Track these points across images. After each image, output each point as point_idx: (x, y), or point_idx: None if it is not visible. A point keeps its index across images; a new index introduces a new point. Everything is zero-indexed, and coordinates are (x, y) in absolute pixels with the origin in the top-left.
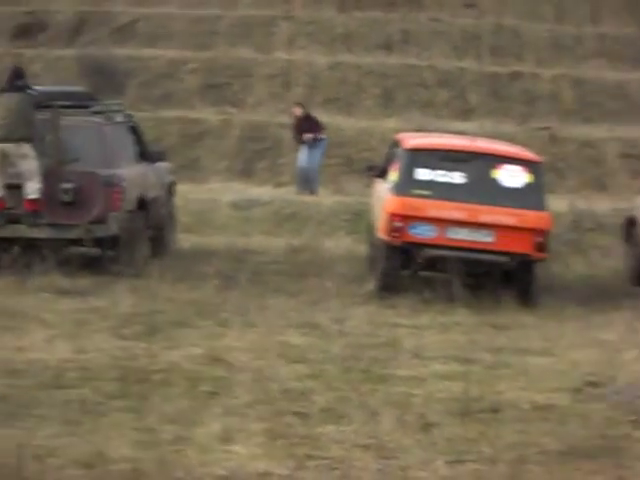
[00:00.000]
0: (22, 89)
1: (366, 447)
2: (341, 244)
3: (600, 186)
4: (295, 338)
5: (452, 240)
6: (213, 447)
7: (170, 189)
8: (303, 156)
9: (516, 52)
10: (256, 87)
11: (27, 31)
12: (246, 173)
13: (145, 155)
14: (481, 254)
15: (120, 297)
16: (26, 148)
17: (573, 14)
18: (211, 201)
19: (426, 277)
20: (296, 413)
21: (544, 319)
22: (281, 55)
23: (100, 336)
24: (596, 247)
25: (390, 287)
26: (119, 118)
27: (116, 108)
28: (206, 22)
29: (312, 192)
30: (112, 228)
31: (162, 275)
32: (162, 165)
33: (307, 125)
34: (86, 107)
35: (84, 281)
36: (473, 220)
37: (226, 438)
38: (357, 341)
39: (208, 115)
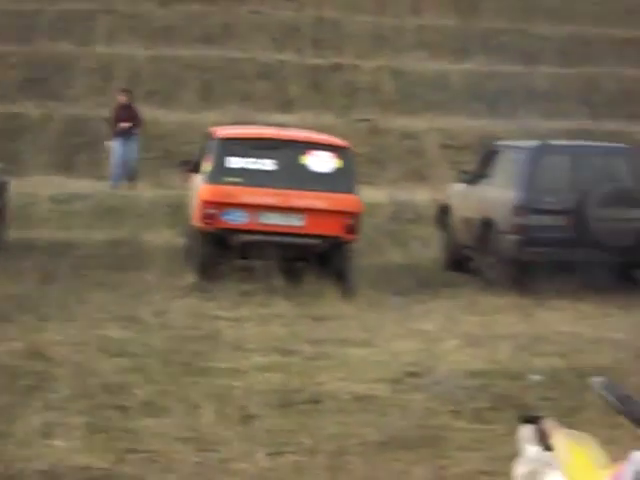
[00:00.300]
0: None
1: (186, 440)
2: (161, 237)
3: (420, 177)
4: (116, 331)
5: (264, 225)
6: (33, 442)
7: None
8: (119, 148)
9: (336, 44)
10: (76, 81)
11: None
12: (66, 167)
13: None
14: (293, 238)
15: None
16: None
17: (393, 6)
18: (31, 195)
19: (246, 269)
20: (116, 407)
21: (364, 310)
22: (101, 49)
23: None
24: (416, 238)
25: (209, 275)
26: None
27: None
28: (26, 16)
29: (131, 183)
30: None
31: None
32: None
33: (125, 114)
34: None
35: None
36: (284, 205)
37: (46, 432)
38: (178, 334)
39: (28, 109)
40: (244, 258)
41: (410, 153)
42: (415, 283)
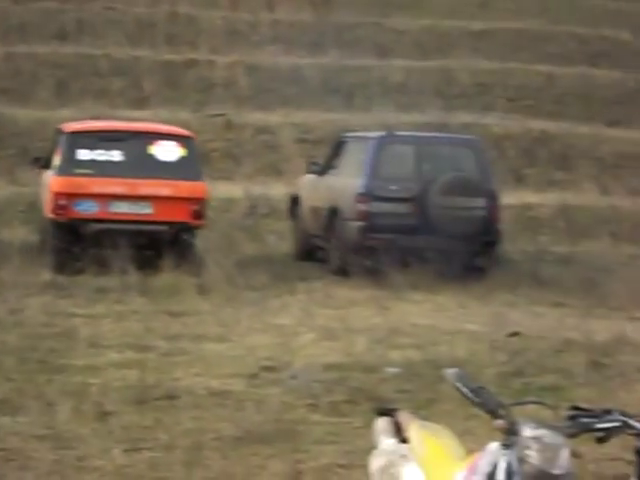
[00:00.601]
0: None
1: (42, 438)
2: (16, 234)
3: (276, 171)
4: None
5: (114, 214)
6: None
7: None
8: None
9: (191, 40)
10: None
11: None
12: None
13: None
14: (142, 225)
15: None
16: None
17: (248, 1)
18: None
19: (102, 265)
20: None
21: (220, 305)
22: None
23: None
24: (271, 232)
25: (63, 266)
26: None
27: None
28: None
29: None
30: None
31: None
32: None
33: None
34: None
35: None
36: (132, 193)
37: None
38: (33, 331)
39: None
40: (96, 247)
41: (266, 148)
42: (270, 277)
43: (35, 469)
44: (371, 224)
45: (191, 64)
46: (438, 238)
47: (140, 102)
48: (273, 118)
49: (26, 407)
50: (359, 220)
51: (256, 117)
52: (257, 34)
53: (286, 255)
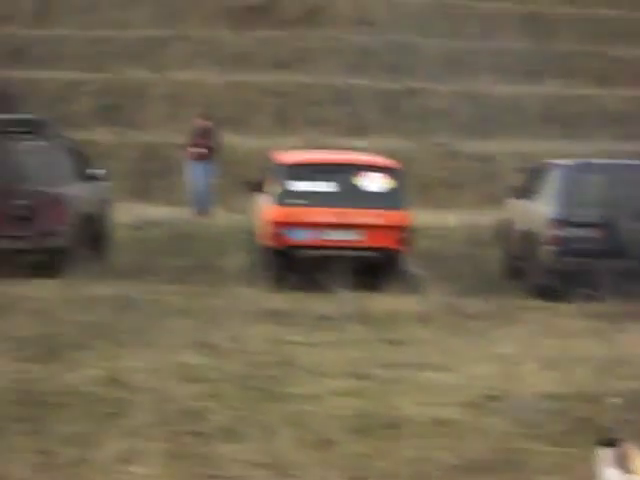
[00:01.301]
0: None
1: (264, 465)
2: (235, 262)
3: (495, 200)
4: (192, 357)
5: (326, 241)
6: (112, 468)
7: (107, 206)
8: (192, 175)
9: (410, 68)
10: (150, 108)
11: None
12: (142, 194)
13: (85, 175)
14: (352, 251)
15: (17, 319)
16: None
17: (467, 29)
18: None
19: (321, 294)
20: (194, 433)
21: (440, 334)
22: (175, 75)
23: None
24: (490, 260)
25: (279, 287)
26: (61, 141)
27: (57, 133)
28: (100, 43)
29: (203, 212)
30: (60, 239)
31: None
32: (101, 184)
33: (200, 139)
34: (31, 132)
35: None
36: (343, 222)
37: (125, 459)
38: (254, 359)
39: (103, 136)
40: (310, 273)
41: (485, 176)
42: (489, 305)
43: None
44: (564, 248)
45: (410, 93)
46: (631, 262)
47: (359, 130)
48: (492, 147)
49: (247, 434)
50: (553, 244)
51: (475, 146)
52: (476, 62)
53: (504, 284)
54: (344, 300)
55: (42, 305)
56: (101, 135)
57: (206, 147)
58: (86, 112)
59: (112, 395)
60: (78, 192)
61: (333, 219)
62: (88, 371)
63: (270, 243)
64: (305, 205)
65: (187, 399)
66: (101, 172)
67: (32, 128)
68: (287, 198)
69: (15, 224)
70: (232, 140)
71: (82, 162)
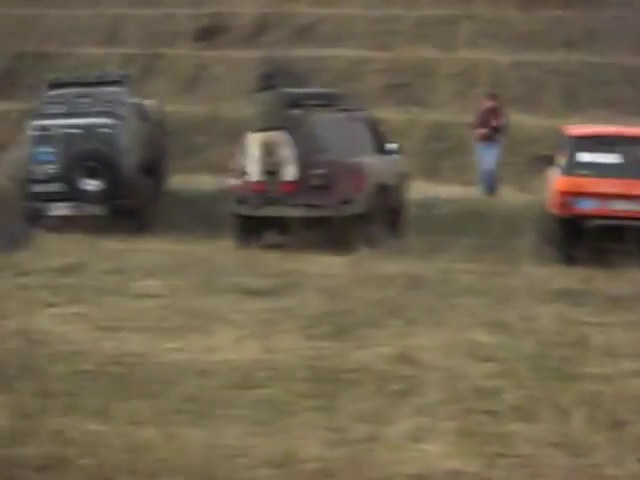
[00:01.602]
0: (273, 88)
1: (556, 445)
2: (527, 241)
3: None
4: (484, 336)
5: (613, 211)
6: (404, 446)
7: (403, 178)
8: (479, 155)
9: None
10: (439, 86)
11: (209, 33)
12: (431, 173)
13: (382, 148)
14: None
15: (308, 297)
16: (282, 137)
17: None
18: None
19: (611, 273)
20: (486, 411)
21: None
22: (463, 54)
23: (288, 336)
24: None
25: (567, 257)
26: (360, 115)
27: (357, 106)
28: (388, 22)
29: (491, 191)
30: (357, 207)
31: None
32: (396, 157)
33: (487, 120)
34: (332, 105)
35: (270, 281)
36: (630, 193)
37: (416, 437)
38: (546, 339)
39: (392, 115)
40: (597, 244)
41: None
42: None
43: (548, 476)
44: None
45: None
46: None
47: None
48: None
49: (539, 414)
50: None
51: None
52: None
53: None
54: (636, 279)
55: (332, 282)
56: (390, 113)
57: (492, 127)
58: (374, 90)
59: (403, 373)
60: (376, 163)
61: (619, 190)
62: (379, 349)
63: (558, 212)
64: (592, 175)
65: (478, 378)
66: (396, 146)
67: (332, 101)
68: (575, 169)
69: (314, 193)
70: (520, 120)
71: (379, 136)
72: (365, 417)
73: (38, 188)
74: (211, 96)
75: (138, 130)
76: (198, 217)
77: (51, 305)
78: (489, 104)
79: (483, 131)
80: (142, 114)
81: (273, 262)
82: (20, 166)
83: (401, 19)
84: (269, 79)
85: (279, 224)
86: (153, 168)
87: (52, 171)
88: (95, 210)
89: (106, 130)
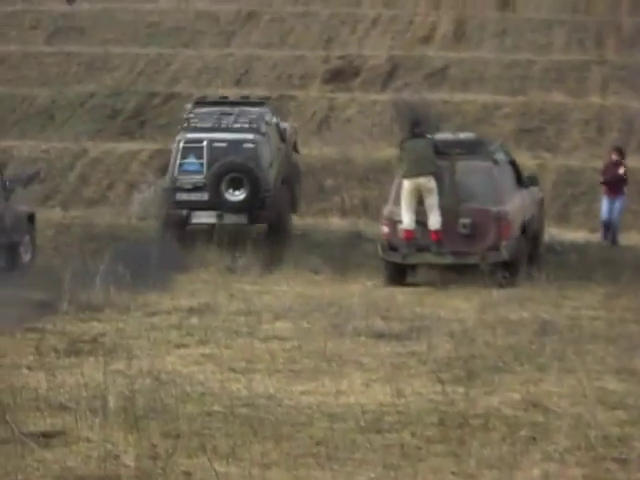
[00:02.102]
0: (423, 135)
1: None
2: None
3: None
4: (613, 384)
5: None
6: None
7: (541, 206)
8: (604, 206)
9: None
10: (570, 132)
11: (340, 75)
12: (560, 218)
13: (521, 181)
14: None
15: (437, 341)
16: (432, 183)
17: None
18: None
19: None
20: (615, 459)
21: None
22: (595, 100)
23: (418, 380)
24: None
25: None
26: (502, 158)
27: (500, 150)
28: (519, 67)
29: (613, 242)
30: (503, 254)
31: None
32: (535, 188)
33: (612, 172)
34: (475, 152)
35: (400, 324)
36: None
37: None
38: None
39: (523, 159)
40: None
41: None
42: None
43: None
44: None
45: None
46: None
47: None
48: None
49: None
50: None
51: None
52: None
53: None
54: None
55: (462, 327)
56: (521, 158)
57: (618, 179)
58: (505, 135)
59: (532, 419)
60: (518, 202)
61: None
62: (508, 394)
63: None
64: None
65: (607, 425)
66: (534, 177)
67: (476, 147)
68: None
69: (461, 241)
70: None
71: (517, 171)
72: (494, 463)
73: (183, 197)
74: (342, 138)
75: (277, 148)
76: (329, 259)
77: (180, 346)
78: (614, 158)
79: (607, 185)
80: (281, 134)
81: (403, 306)
82: (165, 179)
83: (532, 64)
84: (418, 126)
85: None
86: (288, 185)
87: (197, 181)
88: (237, 219)
89: (250, 145)
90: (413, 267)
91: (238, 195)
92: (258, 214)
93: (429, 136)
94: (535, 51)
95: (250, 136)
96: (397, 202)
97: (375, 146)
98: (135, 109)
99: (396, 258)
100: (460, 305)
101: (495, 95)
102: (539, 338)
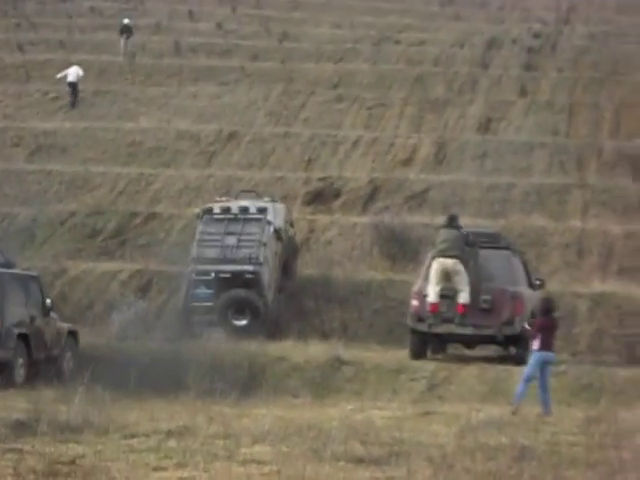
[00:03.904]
0: (457, 227)
1: None
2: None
3: None
4: None
5: None
6: None
7: None
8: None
9: None
10: (550, 255)
11: (321, 197)
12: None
13: (531, 282)
14: None
15: (416, 466)
16: (458, 266)
17: None
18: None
19: None
20: None
21: None
22: (575, 223)
23: None
24: None
25: None
26: (517, 250)
27: (515, 246)
28: (499, 190)
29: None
30: (517, 328)
31: None
32: (540, 292)
33: None
34: (495, 242)
35: (379, 449)
36: None
37: None
38: None
39: None
40: None
41: None
42: None
43: None
44: None
45: None
46: None
47: None
48: None
49: None
50: None
51: None
52: None
53: None
54: None
55: (439, 452)
56: None
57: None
58: None
59: None
60: (530, 293)
61: None
62: None
63: None
64: None
65: None
66: (542, 280)
67: (496, 240)
68: None
69: (481, 315)
70: (633, 291)
71: (528, 272)
72: None
73: (198, 319)
74: (322, 260)
75: (274, 253)
76: (308, 382)
77: (158, 469)
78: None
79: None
80: (277, 234)
81: (382, 430)
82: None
83: (512, 187)
84: (454, 220)
85: (450, 340)
86: (285, 269)
87: (208, 306)
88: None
89: (250, 276)
90: (438, 337)
91: (241, 320)
92: (259, 332)
93: (462, 229)
94: (516, 174)
95: (250, 268)
96: (425, 279)
97: (355, 268)
98: (115, 229)
99: (423, 327)
100: (439, 430)
101: (476, 218)
102: (518, 464)
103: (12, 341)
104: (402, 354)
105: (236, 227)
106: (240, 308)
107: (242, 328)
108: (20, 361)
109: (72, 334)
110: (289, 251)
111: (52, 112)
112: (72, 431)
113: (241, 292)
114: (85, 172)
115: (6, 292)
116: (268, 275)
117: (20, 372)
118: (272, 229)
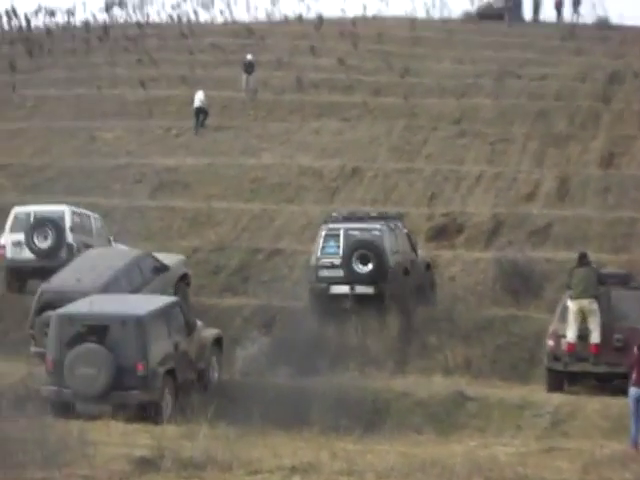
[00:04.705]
0: (589, 265)
1: None
2: None
3: None
4: None
5: None
6: None
7: None
8: None
9: None
10: None
11: (444, 232)
12: None
13: None
14: None
15: None
16: (595, 305)
17: None
18: None
19: None
20: None
21: None
22: None
23: None
24: None
25: None
26: None
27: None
28: (622, 224)
29: None
30: None
31: None
32: None
33: None
34: (626, 282)
35: None
36: None
37: None
38: None
39: None
40: None
41: None
42: None
43: None
44: None
45: None
46: None
47: None
48: None
49: None
50: None
51: None
52: None
53: None
54: None
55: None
56: None
57: None
58: None
59: None
60: None
61: None
62: None
63: None
64: None
65: None
66: None
67: (626, 280)
68: None
69: (614, 353)
70: None
71: None
72: None
73: (324, 273)
74: (445, 296)
75: (404, 250)
76: (431, 418)
77: None
78: None
79: None
80: (412, 244)
81: (506, 466)
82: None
83: (635, 221)
84: (585, 257)
85: (585, 377)
86: (418, 282)
87: (335, 260)
88: (365, 290)
89: (377, 233)
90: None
91: (366, 269)
92: (382, 287)
93: (592, 264)
94: (638, 208)
95: (377, 225)
96: (561, 320)
97: (478, 304)
98: (238, 265)
99: (559, 366)
100: (563, 466)
101: (599, 253)
102: None
103: (159, 382)
104: (526, 390)
105: (359, 224)
106: (364, 255)
107: (365, 277)
108: (168, 397)
109: (217, 341)
110: (423, 276)
111: (174, 148)
112: (196, 467)
113: (366, 236)
114: (208, 208)
115: (148, 333)
116: (395, 244)
117: (168, 407)
118: (406, 232)
